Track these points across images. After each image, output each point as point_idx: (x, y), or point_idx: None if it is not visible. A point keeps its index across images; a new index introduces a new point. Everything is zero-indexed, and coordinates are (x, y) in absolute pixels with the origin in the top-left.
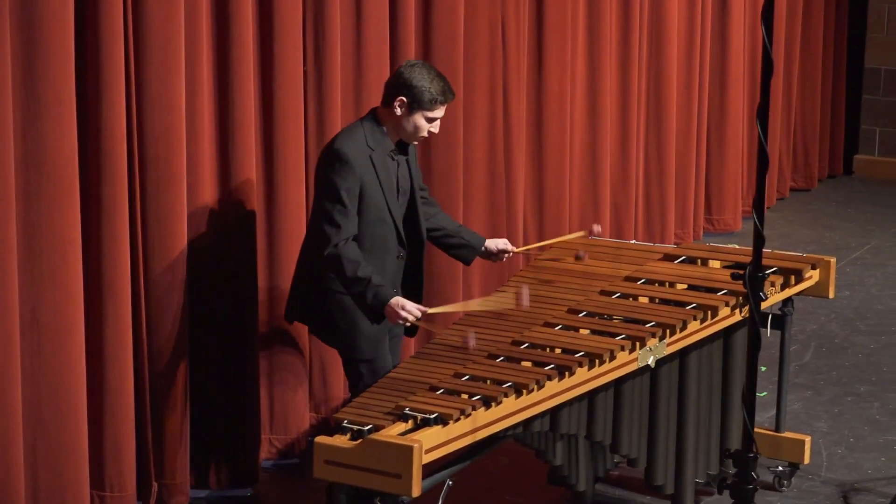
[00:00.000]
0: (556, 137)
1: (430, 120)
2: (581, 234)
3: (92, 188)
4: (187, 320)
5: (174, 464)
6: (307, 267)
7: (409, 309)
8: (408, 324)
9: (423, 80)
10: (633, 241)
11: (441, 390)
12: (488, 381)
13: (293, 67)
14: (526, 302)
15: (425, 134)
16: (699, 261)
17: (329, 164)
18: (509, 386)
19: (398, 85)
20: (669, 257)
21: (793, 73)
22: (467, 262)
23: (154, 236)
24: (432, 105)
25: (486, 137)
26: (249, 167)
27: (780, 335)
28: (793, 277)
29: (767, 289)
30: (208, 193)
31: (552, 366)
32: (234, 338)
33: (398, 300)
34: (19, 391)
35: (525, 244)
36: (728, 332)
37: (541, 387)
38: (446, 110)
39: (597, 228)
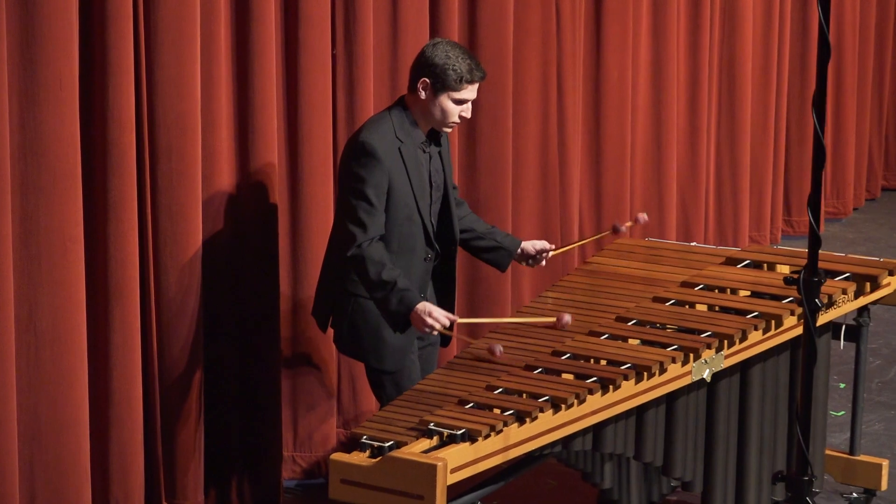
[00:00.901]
0: (615, 129)
1: (459, 102)
2: (628, 224)
3: (97, 180)
4: (202, 326)
5: (186, 483)
6: (331, 268)
7: (437, 316)
8: (434, 332)
9: (447, 58)
10: (693, 244)
11: (471, 404)
12: (524, 395)
13: (320, 50)
14: (567, 322)
15: (456, 119)
16: (765, 265)
17: (354, 158)
18: (546, 400)
19: (420, 66)
20: (732, 261)
21: (885, 63)
22: (502, 268)
23: (166, 233)
24: (459, 85)
25: (538, 130)
26: (271, 159)
27: (856, 348)
28: (868, 284)
29: (838, 296)
30: (226, 187)
31: (594, 378)
32: (254, 345)
33: (425, 306)
34: (14, 401)
35: (581, 247)
36: (795, 344)
37: (581, 401)
38: (494, 99)
39: (643, 217)
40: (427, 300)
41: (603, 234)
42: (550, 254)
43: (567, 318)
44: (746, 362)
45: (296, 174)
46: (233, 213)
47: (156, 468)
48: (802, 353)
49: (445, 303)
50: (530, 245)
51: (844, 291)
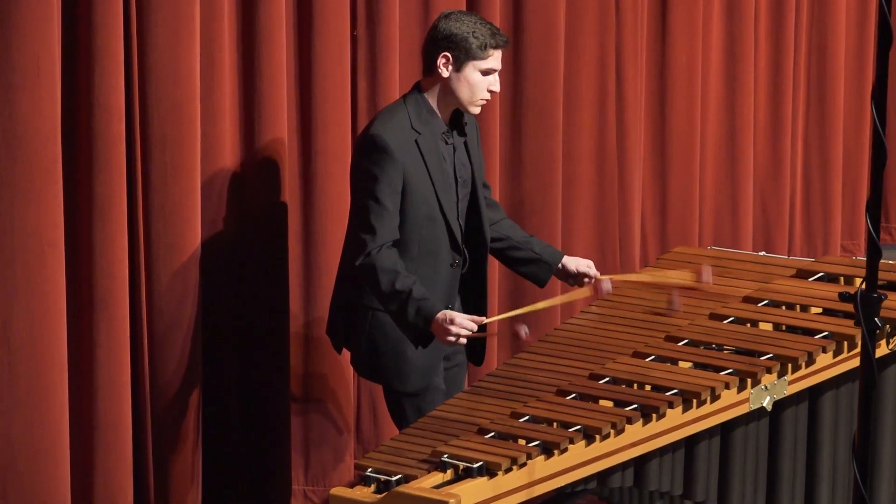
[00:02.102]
0: (683, 123)
1: (486, 72)
2: (690, 275)
3: (80, 176)
4: (200, 341)
5: None
6: (346, 279)
7: (461, 322)
8: (462, 341)
9: (465, 26)
10: (762, 253)
11: (492, 434)
12: (555, 424)
13: (338, 30)
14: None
15: (485, 94)
16: (841, 279)
17: (364, 153)
18: (577, 430)
19: (436, 41)
20: (804, 273)
21: None
22: (540, 283)
23: (159, 236)
24: (483, 52)
25: (593, 123)
26: (280, 153)
27: None
28: None
29: None
30: (228, 185)
31: (635, 406)
32: (260, 364)
33: (445, 314)
34: None
35: (643, 258)
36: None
37: (619, 431)
38: (542, 88)
39: (706, 275)
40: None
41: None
42: (594, 280)
43: (607, 285)
44: (815, 389)
45: (309, 171)
46: (236, 214)
47: (147, 502)
48: (861, 378)
49: (476, 315)
50: (573, 263)
51: None
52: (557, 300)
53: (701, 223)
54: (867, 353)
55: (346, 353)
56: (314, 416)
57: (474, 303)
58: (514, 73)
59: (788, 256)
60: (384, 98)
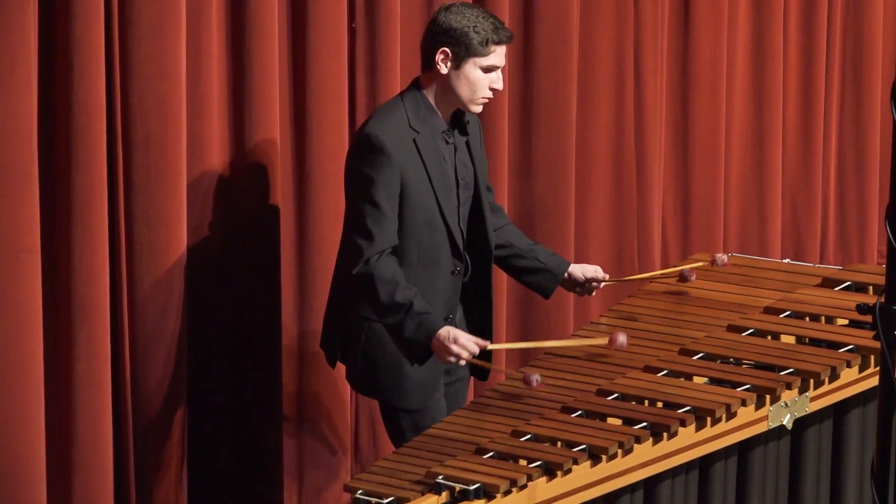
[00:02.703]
0: (707, 121)
1: (488, 69)
2: (700, 263)
3: (58, 179)
4: (185, 355)
5: None
6: (340, 288)
7: (464, 343)
8: (462, 363)
9: (466, 20)
10: (786, 261)
11: (491, 453)
12: (559, 443)
13: (335, 22)
14: (622, 344)
15: (487, 93)
16: (871, 288)
17: (359, 154)
18: (582, 450)
19: (435, 35)
20: (830, 283)
21: None
22: (546, 294)
23: (142, 242)
24: (485, 48)
25: (610, 120)
26: (272, 153)
27: None
28: None
29: None
30: (216, 187)
31: (645, 424)
32: (251, 379)
33: (448, 331)
34: None
35: (663, 264)
36: None
37: (627, 451)
38: (554, 84)
39: (722, 258)
40: (455, 325)
41: (671, 269)
42: (603, 284)
43: (622, 338)
44: (840, 406)
45: (303, 173)
46: (224, 218)
47: None
48: (879, 396)
49: (479, 328)
50: (579, 270)
51: None
52: (572, 342)
53: (726, 228)
54: (886, 370)
55: (341, 368)
56: (308, 434)
57: (478, 313)
58: (523, 68)
59: (815, 265)
60: (384, 95)
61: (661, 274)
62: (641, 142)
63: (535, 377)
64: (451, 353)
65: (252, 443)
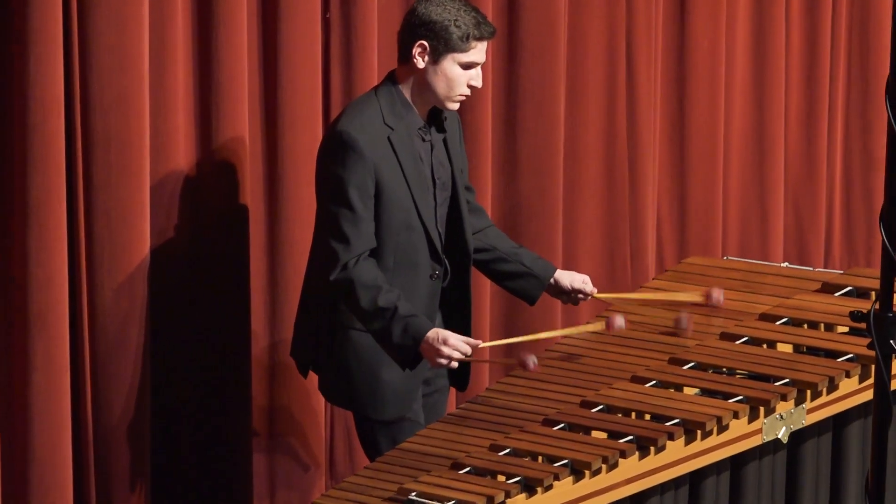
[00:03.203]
0: (704, 115)
1: (467, 66)
2: (697, 298)
3: (13, 177)
4: (149, 366)
5: None
6: (312, 294)
7: (454, 343)
8: (454, 364)
9: (447, 12)
10: (784, 264)
11: (467, 468)
12: (540, 458)
13: (308, 12)
14: (620, 326)
15: (465, 90)
16: (873, 293)
17: (330, 153)
18: (564, 465)
19: (413, 27)
20: (829, 288)
21: None
22: (530, 300)
23: (103, 244)
24: (465, 43)
25: (600, 116)
26: (241, 152)
27: None
28: None
29: None
30: (181, 186)
31: (630, 438)
32: (218, 391)
33: (437, 333)
34: None
35: (658, 271)
36: None
37: (611, 466)
38: (541, 77)
39: (717, 298)
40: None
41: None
42: (590, 297)
43: (620, 321)
44: (840, 418)
45: (274, 173)
46: (190, 221)
47: None
48: (874, 409)
49: (459, 334)
50: (567, 278)
51: None
52: (568, 331)
53: (725, 230)
54: (881, 380)
55: (315, 379)
56: (280, 450)
57: (458, 320)
58: (508, 59)
59: (815, 269)
60: (360, 89)
61: (653, 299)
62: (634, 138)
63: (532, 359)
64: (441, 354)
65: (220, 460)
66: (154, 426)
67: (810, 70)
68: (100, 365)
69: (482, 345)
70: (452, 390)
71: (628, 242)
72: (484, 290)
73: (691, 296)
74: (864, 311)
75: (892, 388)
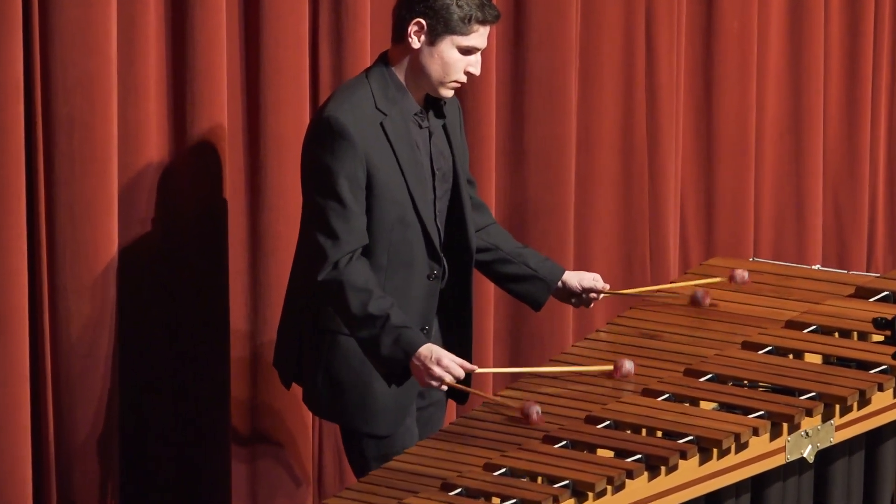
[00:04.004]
0: (735, 104)
1: (466, 51)
2: (718, 280)
3: None
4: (117, 373)
5: None
6: (297, 295)
7: (447, 364)
8: (444, 387)
9: None
10: (816, 267)
11: (458, 489)
12: (540, 479)
13: None
14: (629, 371)
15: (461, 76)
16: None
17: (317, 140)
18: (565, 485)
19: (411, 3)
20: (864, 292)
21: None
22: (536, 305)
23: (66, 243)
24: (466, 26)
25: (616, 104)
26: (219, 140)
27: None
28: None
29: None
30: (154, 178)
31: (639, 456)
32: (194, 401)
33: (431, 350)
34: None
35: (681, 272)
36: None
37: (617, 488)
38: (551, 61)
39: (742, 275)
40: (431, 338)
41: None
42: (602, 296)
43: (628, 366)
44: (874, 435)
45: (256, 163)
46: (163, 215)
47: None
48: None
49: (458, 342)
50: (576, 278)
51: None
52: (572, 368)
53: (757, 230)
54: None
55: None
56: (262, 465)
57: (457, 326)
58: (515, 42)
59: (850, 272)
60: (352, 72)
61: (670, 288)
62: (654, 128)
63: (536, 409)
64: (432, 375)
65: (196, 476)
66: (122, 440)
67: (851, 56)
68: (62, 374)
69: (479, 370)
70: (451, 403)
71: (647, 242)
72: (488, 293)
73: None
74: (889, 318)
75: None
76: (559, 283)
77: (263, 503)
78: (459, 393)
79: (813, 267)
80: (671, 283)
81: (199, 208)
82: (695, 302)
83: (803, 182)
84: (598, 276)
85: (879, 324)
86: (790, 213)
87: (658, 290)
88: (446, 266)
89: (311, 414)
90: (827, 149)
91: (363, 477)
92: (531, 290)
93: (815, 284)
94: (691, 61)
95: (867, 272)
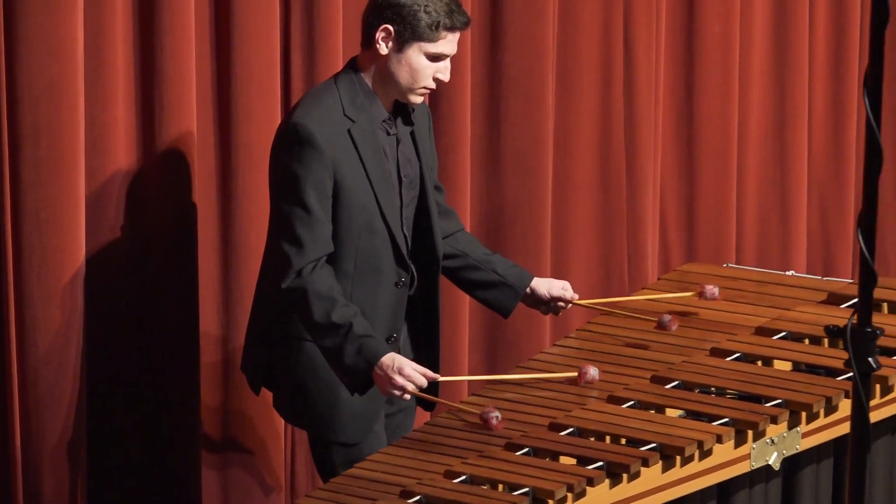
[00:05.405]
0: (717, 107)
1: (434, 58)
2: (689, 294)
3: None
4: (85, 383)
5: None
6: (264, 302)
7: (409, 374)
8: (406, 396)
9: None
10: (790, 273)
11: (417, 497)
12: (500, 487)
13: None
14: (593, 378)
15: (430, 83)
16: (885, 305)
17: (284, 147)
18: (524, 493)
19: (379, 9)
20: (836, 298)
21: None
22: (504, 312)
23: (33, 249)
24: (434, 33)
25: (594, 107)
26: (189, 146)
27: None
28: None
29: None
30: (122, 185)
31: (600, 464)
32: (163, 411)
33: (393, 359)
34: None
35: (661, 275)
36: None
37: (578, 495)
38: (528, 64)
39: (712, 291)
40: (399, 345)
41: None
42: (570, 304)
43: (593, 372)
44: (842, 443)
45: (227, 169)
46: (132, 221)
47: None
48: (851, 432)
49: (426, 348)
50: (545, 286)
51: None
52: (536, 375)
53: (740, 235)
54: (859, 402)
55: (270, 399)
56: (234, 470)
57: (425, 332)
58: (490, 44)
59: (825, 278)
60: (324, 78)
61: (638, 301)
62: (632, 131)
63: (495, 414)
64: (394, 384)
65: (167, 483)
66: (91, 451)
67: (837, 58)
68: (29, 383)
69: (441, 379)
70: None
71: (625, 247)
72: (463, 300)
73: (682, 297)
74: (841, 326)
75: None
76: (528, 290)
77: (236, 487)
78: (428, 401)
79: (787, 273)
80: (643, 289)
81: (168, 215)
82: (661, 326)
83: (788, 187)
84: (567, 285)
85: (831, 331)
86: (774, 218)
87: (627, 302)
88: (414, 273)
89: (282, 420)
90: (812, 153)
91: (320, 486)
92: (499, 296)
93: (788, 290)
94: (672, 64)
95: (852, 278)
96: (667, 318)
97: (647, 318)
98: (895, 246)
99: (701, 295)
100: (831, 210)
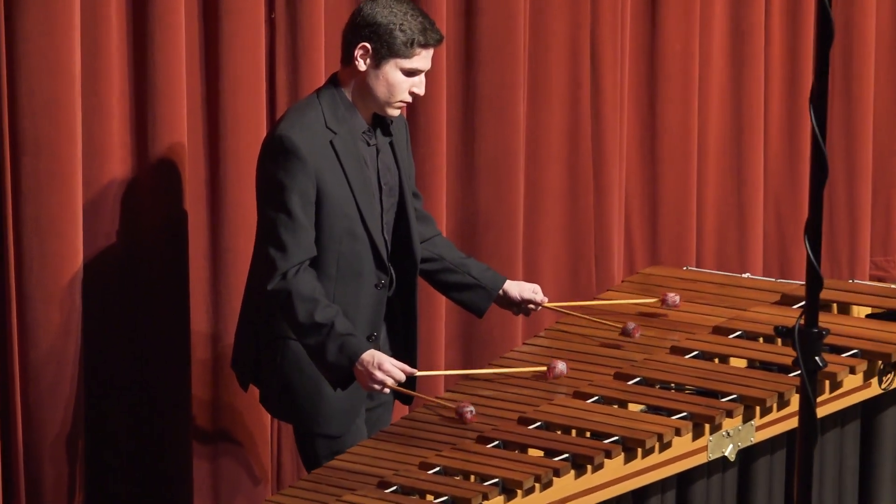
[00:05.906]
0: (678, 118)
1: (410, 73)
2: (652, 300)
3: None
4: (83, 381)
5: None
6: (252, 303)
7: (388, 369)
8: (386, 390)
9: (393, 16)
10: (746, 275)
11: (394, 487)
12: (472, 477)
13: (252, 12)
14: (562, 372)
15: (405, 97)
16: (834, 306)
17: (270, 157)
18: (494, 483)
19: (357, 28)
20: (788, 299)
21: None
22: (478, 312)
23: (33, 254)
24: (409, 49)
25: (563, 118)
26: (180, 157)
27: None
28: None
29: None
30: (117, 194)
31: (566, 455)
32: (157, 406)
33: (373, 356)
34: None
35: (626, 277)
36: (869, 413)
37: (545, 486)
38: (500, 77)
39: (673, 299)
40: (379, 344)
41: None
42: (540, 307)
43: (561, 366)
44: (794, 435)
45: (216, 178)
46: (126, 227)
47: None
48: (799, 430)
49: (404, 345)
50: (516, 288)
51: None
52: (506, 370)
53: (700, 239)
54: (806, 399)
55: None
56: (223, 464)
57: (403, 331)
58: (465, 59)
59: (778, 280)
60: (307, 92)
61: (604, 306)
62: (599, 142)
63: (469, 409)
64: (374, 379)
65: (160, 473)
66: (88, 445)
67: (792, 71)
68: (30, 380)
69: (418, 374)
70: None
71: (593, 251)
72: (440, 299)
73: (645, 302)
74: (789, 326)
75: None
76: (500, 292)
77: (224, 499)
78: (405, 395)
79: (743, 275)
80: (608, 290)
81: (160, 221)
82: (625, 333)
83: (745, 193)
84: (538, 288)
85: (780, 332)
86: (732, 223)
87: (592, 306)
88: (393, 276)
89: (269, 414)
90: (768, 161)
91: (302, 477)
92: (473, 298)
93: (744, 292)
94: (636, 79)
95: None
96: (631, 325)
97: (612, 324)
98: (848, 249)
99: (663, 302)
100: (786, 215)
